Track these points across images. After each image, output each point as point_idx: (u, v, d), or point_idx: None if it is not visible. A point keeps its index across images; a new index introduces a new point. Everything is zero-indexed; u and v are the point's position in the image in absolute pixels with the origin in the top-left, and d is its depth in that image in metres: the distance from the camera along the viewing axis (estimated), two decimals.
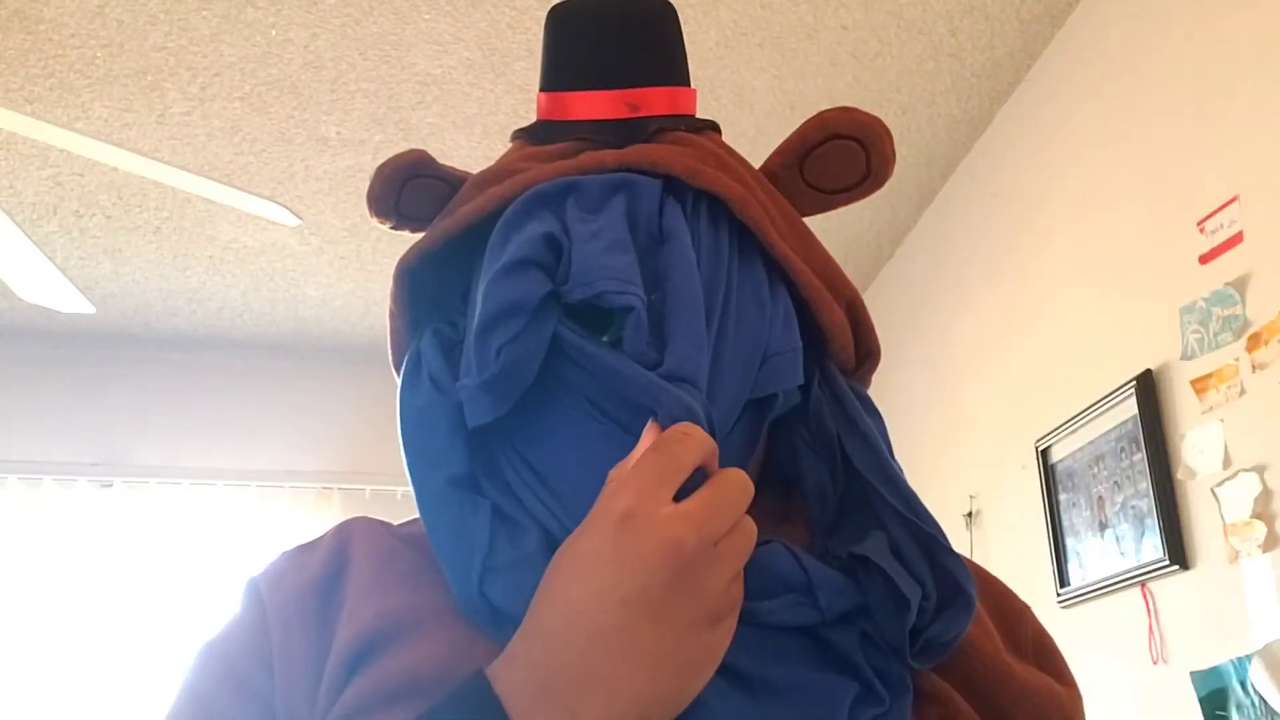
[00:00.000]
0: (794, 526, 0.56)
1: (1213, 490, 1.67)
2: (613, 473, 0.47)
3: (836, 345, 0.58)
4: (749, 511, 0.49)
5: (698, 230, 0.55)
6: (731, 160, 0.60)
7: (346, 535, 0.56)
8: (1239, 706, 1.56)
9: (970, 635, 0.52)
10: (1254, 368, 1.60)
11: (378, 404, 3.96)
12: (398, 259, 0.59)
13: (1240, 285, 1.64)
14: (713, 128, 0.63)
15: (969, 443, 2.65)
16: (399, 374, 0.59)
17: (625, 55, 0.61)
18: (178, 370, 3.80)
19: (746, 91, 2.44)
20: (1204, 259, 1.73)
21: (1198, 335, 1.73)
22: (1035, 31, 2.26)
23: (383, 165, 0.62)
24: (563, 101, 0.61)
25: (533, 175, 0.57)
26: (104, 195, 2.83)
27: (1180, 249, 1.79)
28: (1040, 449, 2.24)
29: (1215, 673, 1.63)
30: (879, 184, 0.60)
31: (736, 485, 0.47)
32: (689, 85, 0.63)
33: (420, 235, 0.60)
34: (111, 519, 3.59)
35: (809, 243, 0.60)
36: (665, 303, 0.52)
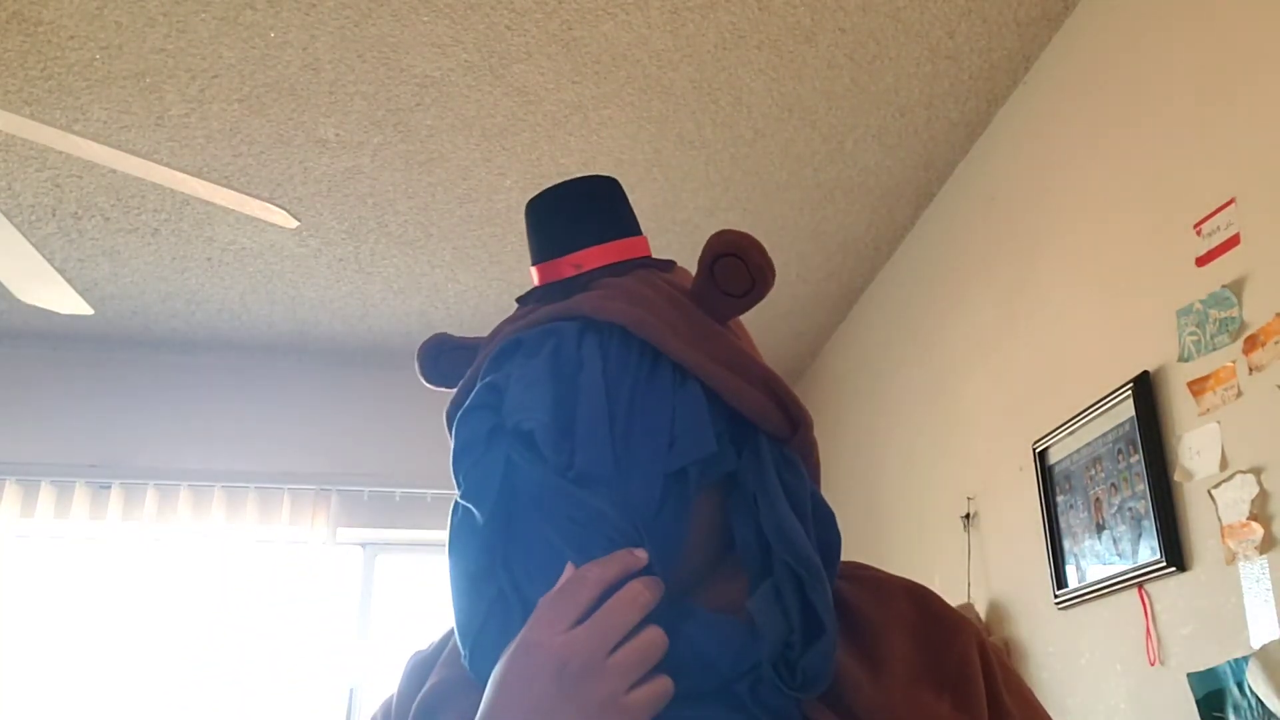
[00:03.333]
0: (740, 580, 0.67)
1: (1209, 492, 1.67)
2: (541, 600, 0.61)
3: (759, 419, 0.70)
4: (710, 573, 0.67)
5: (609, 352, 0.69)
6: (644, 290, 0.73)
7: None
8: (1236, 708, 1.57)
9: (846, 668, 0.63)
10: (1251, 370, 1.60)
11: (376, 406, 3.99)
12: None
13: (1237, 287, 1.65)
14: (648, 265, 0.77)
15: (966, 444, 2.66)
16: None
17: (572, 227, 0.77)
18: (176, 372, 3.80)
19: (744, 94, 2.45)
20: (1201, 261, 1.73)
21: (1194, 337, 1.74)
22: (1032, 34, 2.27)
23: (420, 348, 0.80)
24: (540, 270, 0.78)
25: (502, 336, 0.74)
26: (102, 197, 2.83)
27: (1177, 251, 1.79)
28: (1037, 451, 2.24)
29: (1212, 674, 1.63)
30: (765, 285, 0.71)
31: (626, 601, 0.59)
32: (632, 236, 0.79)
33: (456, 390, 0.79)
34: (110, 521, 3.58)
35: (718, 343, 0.72)
36: (576, 417, 0.66)
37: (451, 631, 0.73)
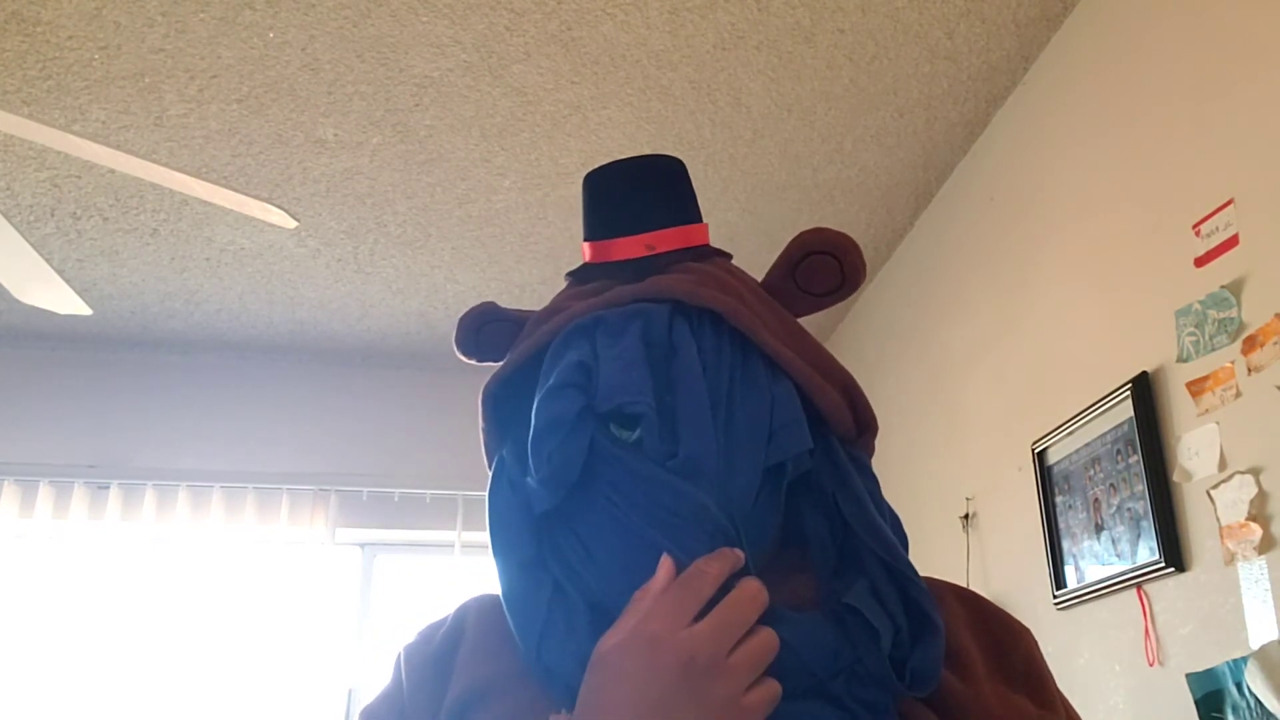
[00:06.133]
0: (806, 575, 0.66)
1: (1208, 493, 1.67)
2: (638, 594, 0.59)
3: (833, 420, 0.69)
4: (771, 567, 0.64)
5: (702, 339, 0.67)
6: (730, 280, 0.72)
7: (464, 613, 0.71)
8: (1235, 709, 1.57)
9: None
10: (1249, 370, 1.60)
11: (375, 406, 3.99)
12: (484, 384, 0.74)
13: (1236, 288, 1.65)
14: (720, 254, 0.76)
15: (965, 445, 2.66)
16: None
17: (643, 206, 0.75)
18: (175, 372, 3.80)
19: (744, 94, 2.45)
20: (1199, 262, 1.74)
21: (1193, 338, 1.74)
22: (1031, 35, 2.27)
23: (463, 316, 0.77)
24: (597, 248, 0.75)
25: (572, 312, 0.71)
26: (101, 197, 2.83)
27: (1176, 252, 1.79)
28: (1036, 451, 2.24)
29: (1211, 675, 1.63)
30: (855, 286, 0.71)
31: (746, 599, 0.58)
32: (699, 221, 0.76)
33: (498, 365, 0.75)
34: (108, 521, 3.58)
35: (802, 339, 0.71)
36: (676, 403, 0.64)
37: (456, 626, 0.70)
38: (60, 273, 2.35)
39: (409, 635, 0.74)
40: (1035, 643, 0.68)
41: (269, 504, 3.70)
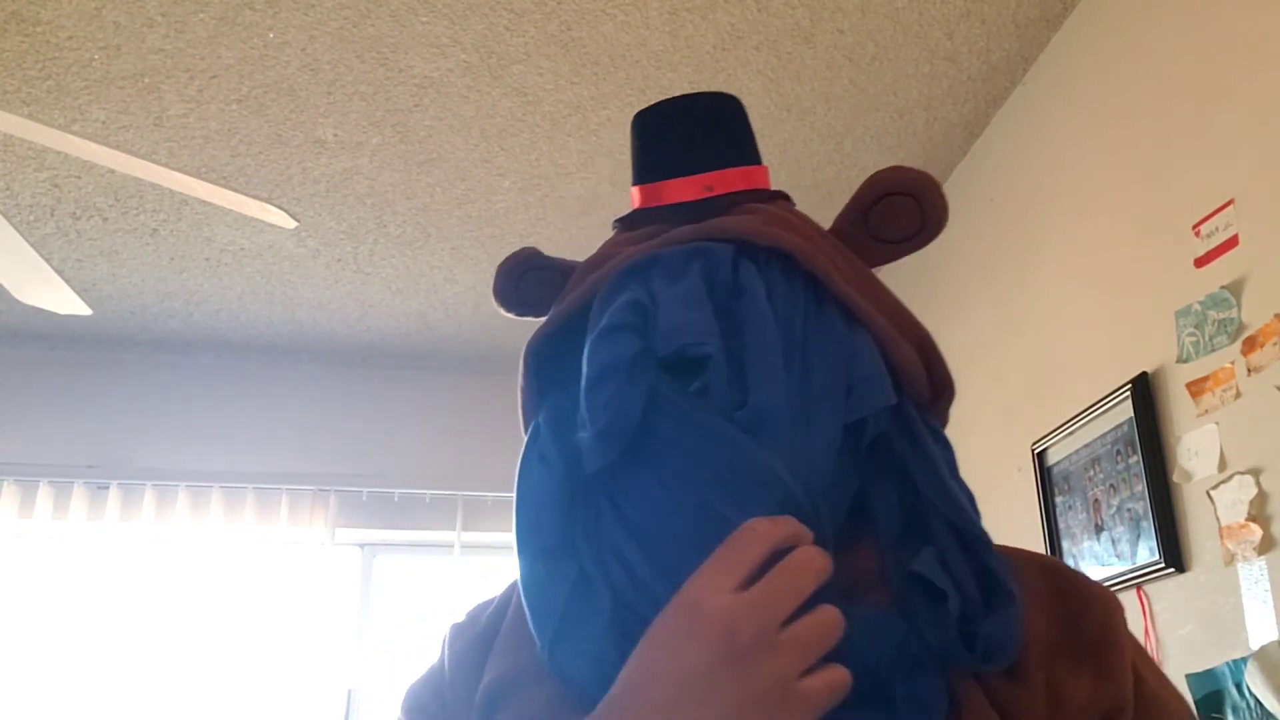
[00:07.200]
0: (867, 545, 0.59)
1: (1208, 493, 1.67)
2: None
3: (908, 379, 0.62)
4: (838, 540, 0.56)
5: (772, 282, 0.61)
6: (796, 221, 0.66)
7: (510, 594, 0.65)
8: (1234, 709, 1.57)
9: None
10: (1249, 371, 1.60)
11: (374, 407, 3.98)
12: (526, 341, 0.67)
13: (1235, 289, 1.65)
14: (782, 196, 0.70)
15: (965, 445, 2.63)
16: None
17: (700, 145, 0.69)
18: (174, 372, 3.80)
19: (743, 94, 2.45)
20: (1199, 262, 1.74)
21: (1193, 338, 1.74)
22: (1031, 35, 2.27)
23: (503, 262, 0.71)
24: (648, 191, 0.69)
25: (624, 257, 0.64)
26: (101, 197, 2.83)
27: (1176, 252, 1.79)
28: (1036, 452, 2.24)
29: (1211, 675, 1.63)
30: (936, 231, 0.65)
31: (800, 566, 0.50)
32: (759, 163, 0.71)
33: (541, 320, 0.68)
34: (108, 521, 3.58)
35: (876, 289, 0.65)
36: (745, 349, 0.58)
37: (502, 606, 0.65)
38: (60, 273, 2.35)
39: (458, 615, 0.69)
40: (1113, 609, 0.60)
41: (268, 504, 3.70)
